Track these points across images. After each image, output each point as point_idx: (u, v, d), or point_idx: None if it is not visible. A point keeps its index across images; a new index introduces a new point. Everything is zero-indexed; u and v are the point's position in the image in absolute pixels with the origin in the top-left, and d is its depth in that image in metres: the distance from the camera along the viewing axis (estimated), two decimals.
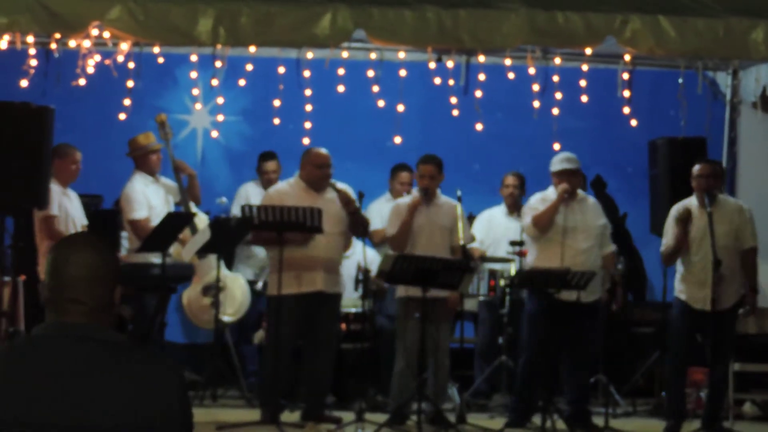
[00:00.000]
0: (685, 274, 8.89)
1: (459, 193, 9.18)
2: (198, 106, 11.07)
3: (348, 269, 9.58)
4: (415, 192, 9.22)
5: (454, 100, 10.31)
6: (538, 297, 9.03)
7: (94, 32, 8.68)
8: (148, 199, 9.73)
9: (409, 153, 10.62)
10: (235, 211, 10.19)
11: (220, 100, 10.56)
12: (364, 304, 9.51)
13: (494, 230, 10.38)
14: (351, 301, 9.81)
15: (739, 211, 8.97)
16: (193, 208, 9.95)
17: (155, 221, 9.41)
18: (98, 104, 10.58)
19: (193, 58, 10.10)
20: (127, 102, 9.91)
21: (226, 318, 9.93)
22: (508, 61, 9.85)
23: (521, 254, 9.73)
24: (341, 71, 10.10)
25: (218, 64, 9.81)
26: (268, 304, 9.05)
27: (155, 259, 9.34)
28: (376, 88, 10.15)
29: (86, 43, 9.07)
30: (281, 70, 10.10)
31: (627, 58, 9.91)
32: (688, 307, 8.83)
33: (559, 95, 10.28)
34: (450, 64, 10.01)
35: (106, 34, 8.76)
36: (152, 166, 9.88)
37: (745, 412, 9.91)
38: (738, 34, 9.04)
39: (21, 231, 9.04)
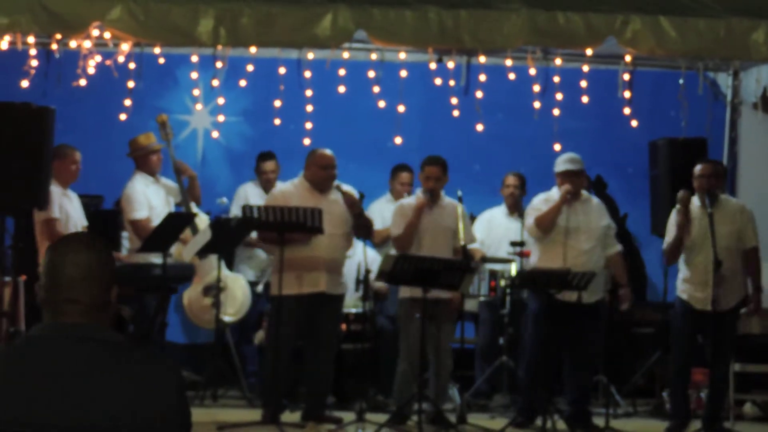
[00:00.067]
0: (687, 275, 8.89)
1: (459, 193, 9.18)
2: (199, 106, 11.07)
3: (349, 269, 9.57)
4: (419, 192, 9.22)
5: (454, 100, 10.31)
6: (539, 297, 9.04)
7: (95, 33, 8.69)
8: (149, 199, 9.74)
9: (410, 153, 10.64)
10: (235, 211, 10.20)
11: (221, 101, 10.55)
12: (365, 304, 9.51)
13: (495, 231, 10.38)
14: (351, 301, 9.81)
15: (741, 211, 8.97)
16: (194, 208, 9.96)
17: (156, 221, 9.42)
18: (99, 105, 10.59)
19: (194, 58, 10.10)
20: (127, 102, 9.90)
21: (227, 318, 9.93)
22: (508, 62, 9.85)
23: (522, 254, 9.74)
24: (342, 72, 10.10)
25: (219, 64, 9.80)
26: (270, 304, 9.06)
27: (156, 259, 9.34)
28: (376, 89, 10.15)
29: (87, 44, 9.08)
30: (282, 70, 10.10)
31: (628, 58, 9.91)
32: (690, 308, 8.84)
33: (559, 96, 10.28)
34: (451, 64, 10.00)
35: (107, 35, 8.76)
36: (153, 167, 9.89)
37: (745, 413, 9.91)
38: (739, 35, 9.05)
39: (21, 231, 9.04)
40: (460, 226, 9.08)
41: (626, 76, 10.23)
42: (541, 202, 9.18)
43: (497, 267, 10.10)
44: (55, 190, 9.15)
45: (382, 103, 10.28)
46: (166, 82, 11.19)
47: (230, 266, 10.35)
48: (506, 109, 11.15)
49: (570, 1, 9.04)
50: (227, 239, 9.51)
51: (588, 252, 9.06)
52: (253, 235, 9.99)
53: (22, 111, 8.53)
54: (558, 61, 10.12)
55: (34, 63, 9.57)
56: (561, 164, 9.17)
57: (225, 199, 10.77)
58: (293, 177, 9.20)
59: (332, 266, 8.90)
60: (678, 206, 8.84)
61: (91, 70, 9.40)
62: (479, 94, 10.14)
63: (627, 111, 10.39)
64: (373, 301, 9.62)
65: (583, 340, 9.02)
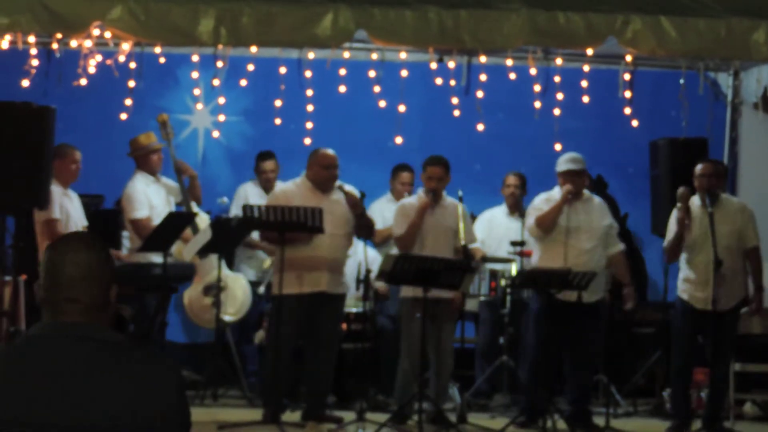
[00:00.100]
0: (688, 275, 8.89)
1: (460, 193, 9.18)
2: (199, 106, 11.07)
3: (349, 269, 9.58)
4: (421, 192, 9.22)
5: (455, 100, 10.31)
6: (540, 297, 9.04)
7: (96, 32, 8.69)
8: (150, 198, 9.75)
9: (410, 153, 10.64)
10: (234, 211, 10.20)
11: (222, 100, 10.55)
12: (365, 304, 9.51)
13: (495, 230, 10.38)
14: (352, 300, 9.81)
15: (742, 211, 8.97)
16: (195, 208, 9.96)
17: (156, 221, 9.42)
18: (99, 104, 10.59)
19: (195, 58, 10.10)
20: (128, 102, 9.91)
21: (227, 318, 9.93)
22: (509, 62, 9.85)
23: (522, 254, 9.74)
24: (342, 71, 10.10)
25: (219, 64, 9.80)
26: (271, 304, 9.07)
27: (156, 258, 9.34)
28: (377, 89, 10.15)
29: (87, 43, 9.08)
30: (282, 70, 10.10)
31: (628, 58, 9.91)
32: (691, 308, 8.84)
33: (560, 96, 10.28)
34: (451, 64, 10.01)
35: (108, 34, 8.77)
36: (153, 166, 9.90)
37: (745, 412, 9.91)
38: (739, 35, 9.05)
39: (22, 231, 9.04)
40: (461, 225, 9.08)
41: (627, 76, 10.23)
42: (543, 201, 9.18)
43: (498, 267, 10.11)
44: (56, 189, 9.15)
45: (382, 103, 10.28)
46: (167, 81, 11.19)
47: (231, 266, 10.35)
48: (507, 109, 11.15)
49: (570, 1, 9.04)
50: (228, 239, 9.51)
51: (589, 251, 9.06)
52: (255, 236, 10.03)
53: (23, 110, 8.53)
54: (558, 61, 10.12)
55: (35, 62, 9.57)
56: (563, 164, 9.17)
57: (225, 199, 10.78)
58: (293, 177, 9.21)
59: (334, 266, 8.90)
60: (678, 204, 8.85)
61: (91, 70, 9.40)
62: (480, 94, 10.14)
63: (627, 111, 10.39)
64: (373, 300, 9.62)
65: (583, 340, 9.02)
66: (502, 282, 10.03)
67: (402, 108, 10.23)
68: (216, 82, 10.02)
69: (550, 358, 9.03)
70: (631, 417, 9.74)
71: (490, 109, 10.37)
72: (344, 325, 9.63)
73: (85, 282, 2.78)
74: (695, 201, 8.88)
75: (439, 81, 10.12)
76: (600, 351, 9.31)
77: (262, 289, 10.10)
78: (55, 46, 9.39)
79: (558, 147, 10.15)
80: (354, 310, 9.83)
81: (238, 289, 10.08)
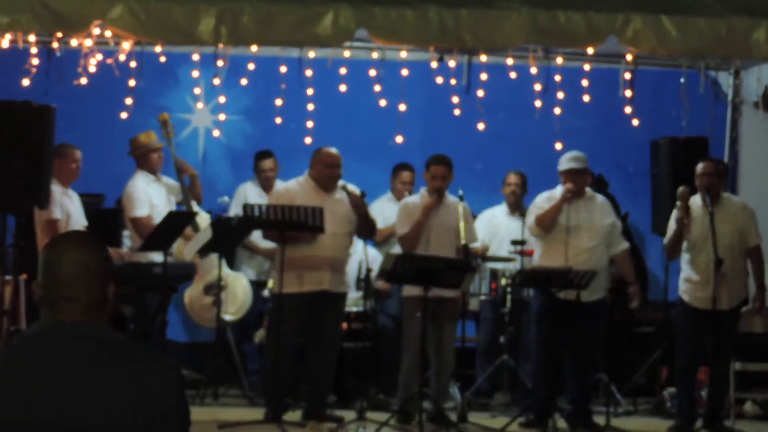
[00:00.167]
0: (689, 274, 8.89)
1: (461, 192, 9.18)
2: (200, 105, 11.07)
3: (349, 268, 9.57)
4: (423, 191, 9.22)
5: (455, 99, 10.31)
6: (541, 296, 9.04)
7: (96, 31, 8.69)
8: (150, 197, 9.75)
9: (411, 152, 10.64)
10: (234, 211, 10.20)
11: (222, 99, 10.56)
12: (366, 303, 9.51)
13: (496, 229, 10.39)
14: (352, 300, 9.81)
15: (743, 210, 8.97)
16: (195, 207, 9.96)
17: (157, 219, 9.42)
18: (100, 103, 10.59)
19: (195, 57, 10.09)
20: (128, 101, 9.91)
21: (228, 317, 9.93)
22: (509, 61, 9.86)
23: (523, 253, 9.74)
24: (343, 70, 10.10)
25: (220, 63, 9.80)
26: (273, 303, 9.07)
27: (157, 257, 9.34)
28: (377, 88, 10.15)
29: (88, 42, 9.08)
30: (283, 69, 10.10)
31: (629, 57, 9.92)
32: (692, 308, 8.84)
33: (560, 95, 10.28)
34: (452, 63, 10.00)
35: (108, 33, 8.76)
36: (153, 165, 9.90)
37: (746, 411, 9.92)
38: (740, 34, 9.05)
39: (22, 230, 9.04)
40: (461, 225, 9.08)
41: (627, 75, 10.23)
42: (544, 200, 9.17)
43: (498, 266, 10.11)
44: (56, 189, 9.15)
45: (383, 102, 10.28)
46: (167, 80, 11.19)
47: (231, 265, 10.35)
48: (507, 108, 11.15)
49: (571, 0, 9.04)
50: (228, 238, 9.51)
51: (590, 250, 9.04)
52: (256, 240, 10.04)
53: (23, 109, 8.53)
54: (559, 60, 10.12)
55: (35, 61, 9.57)
56: (564, 163, 9.16)
57: (226, 198, 10.78)
58: (294, 176, 9.20)
59: (336, 265, 8.90)
60: (678, 203, 8.84)
61: (92, 69, 9.40)
62: (480, 93, 10.14)
63: (628, 110, 10.39)
64: (374, 299, 9.61)
65: (583, 339, 9.01)
66: (503, 281, 10.03)
67: (402, 107, 10.23)
68: (216, 81, 10.02)
69: (552, 357, 9.02)
70: (631, 416, 9.74)
71: (490, 108, 10.37)
72: (345, 325, 9.63)
73: (83, 280, 2.78)
74: (696, 200, 8.88)
75: (439, 80, 10.12)
76: (600, 350, 9.31)
77: (267, 292, 10.05)
78: (55, 45, 9.39)
79: (558, 146, 10.15)
80: (355, 309, 9.83)
81: (239, 289, 10.08)
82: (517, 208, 10.35)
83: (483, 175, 11.26)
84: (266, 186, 10.45)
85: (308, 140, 10.20)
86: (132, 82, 9.77)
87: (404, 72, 10.26)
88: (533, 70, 10.05)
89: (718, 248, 8.57)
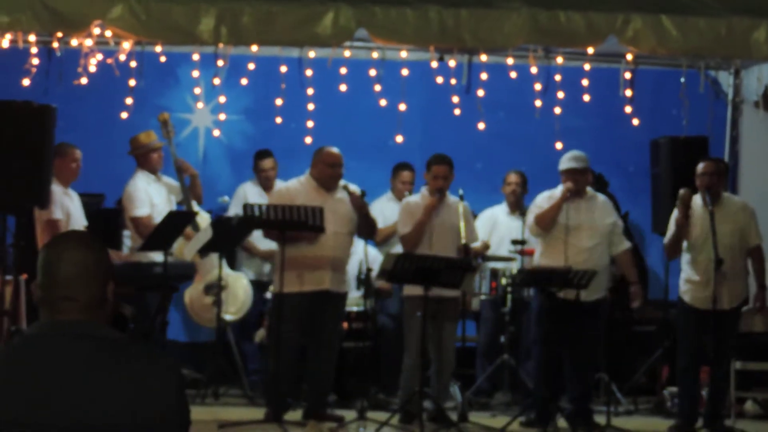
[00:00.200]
0: (690, 274, 8.89)
1: (461, 191, 9.18)
2: (200, 104, 11.07)
3: (350, 267, 9.57)
4: (424, 191, 9.22)
5: (456, 99, 10.31)
6: (541, 295, 9.03)
7: (96, 31, 8.69)
8: (150, 197, 9.75)
9: (411, 152, 10.64)
10: (234, 211, 10.19)
11: (222, 99, 10.56)
12: (366, 302, 9.50)
13: (496, 229, 10.39)
14: (353, 299, 9.81)
15: (743, 209, 8.97)
16: (195, 207, 9.96)
17: (157, 219, 9.43)
18: (100, 103, 10.59)
19: (195, 57, 10.10)
20: (129, 101, 9.91)
21: (228, 316, 9.94)
22: (510, 61, 9.86)
23: (523, 253, 9.74)
24: (343, 70, 10.11)
25: (220, 62, 9.80)
26: (273, 302, 9.08)
27: (157, 257, 9.34)
28: (378, 87, 10.15)
29: (88, 42, 9.08)
30: (283, 69, 10.10)
31: (629, 57, 9.92)
32: (692, 308, 8.83)
33: (561, 94, 10.28)
34: (452, 63, 10.00)
35: (108, 33, 8.76)
36: (154, 165, 9.90)
37: (746, 411, 9.92)
38: (740, 34, 9.04)
39: (22, 230, 9.04)
40: (462, 224, 9.08)
41: (627, 75, 10.24)
42: (545, 199, 9.17)
43: (498, 265, 10.11)
44: (56, 189, 9.15)
45: (383, 102, 10.28)
46: (168, 80, 11.19)
47: (232, 265, 10.35)
48: (507, 108, 11.15)
49: None
50: (228, 238, 9.51)
51: (590, 249, 9.04)
52: (256, 241, 10.04)
53: (23, 109, 8.53)
54: (559, 60, 10.13)
55: (35, 61, 9.57)
56: (565, 162, 9.16)
57: (226, 198, 10.78)
58: (294, 175, 9.20)
59: (337, 264, 8.90)
60: (678, 203, 8.85)
61: (92, 69, 9.41)
62: (480, 93, 10.14)
63: (628, 109, 10.39)
64: (374, 299, 9.61)
65: (583, 338, 9.01)
66: (503, 281, 10.03)
67: (403, 107, 10.24)
68: (216, 80, 10.02)
69: (552, 357, 9.02)
70: (632, 415, 9.75)
71: (490, 108, 10.37)
72: (345, 324, 9.63)
73: (82, 280, 2.78)
74: (696, 200, 8.87)
75: (439, 80, 10.12)
76: (600, 349, 9.30)
77: (269, 295, 10.02)
78: (55, 44, 9.40)
79: (559, 146, 10.16)
80: (355, 308, 9.82)
81: (239, 288, 10.08)
82: (518, 207, 10.35)
83: (483, 174, 11.26)
84: (266, 186, 10.46)
85: (308, 140, 10.20)
86: (132, 82, 9.77)
87: (404, 72, 10.26)
88: (533, 70, 10.05)
89: (718, 248, 8.57)
